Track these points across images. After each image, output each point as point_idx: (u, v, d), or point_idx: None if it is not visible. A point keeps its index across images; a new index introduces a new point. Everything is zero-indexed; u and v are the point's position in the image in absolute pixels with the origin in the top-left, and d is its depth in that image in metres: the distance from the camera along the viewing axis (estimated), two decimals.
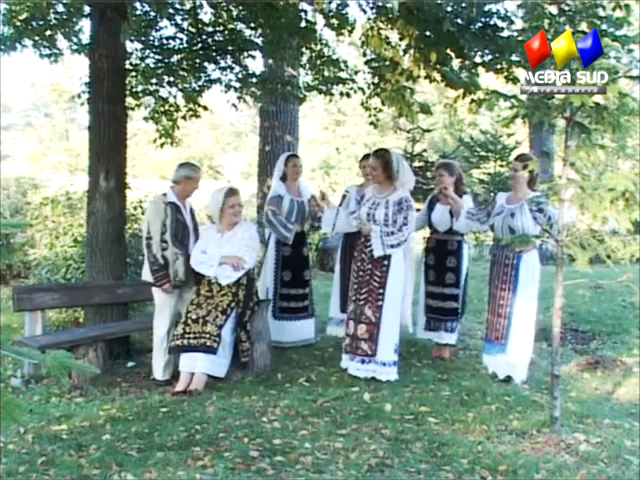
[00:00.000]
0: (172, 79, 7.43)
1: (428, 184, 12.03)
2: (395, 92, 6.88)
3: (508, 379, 4.75)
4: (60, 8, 6.69)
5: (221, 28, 7.35)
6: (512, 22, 6.22)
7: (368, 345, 4.80)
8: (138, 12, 6.92)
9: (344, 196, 6.21)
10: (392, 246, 4.80)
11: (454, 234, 5.38)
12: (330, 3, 6.87)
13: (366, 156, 5.96)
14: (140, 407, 4.19)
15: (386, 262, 4.83)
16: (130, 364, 5.42)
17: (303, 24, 6.98)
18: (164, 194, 5.04)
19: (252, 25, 7.16)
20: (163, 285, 4.90)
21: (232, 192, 5.05)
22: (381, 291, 4.81)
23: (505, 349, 4.74)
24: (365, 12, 6.79)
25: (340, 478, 3.16)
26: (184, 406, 4.21)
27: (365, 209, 4.98)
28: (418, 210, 5.58)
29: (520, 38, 5.85)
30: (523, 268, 4.70)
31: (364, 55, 7.27)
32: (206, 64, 7.42)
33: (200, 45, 7.24)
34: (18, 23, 6.58)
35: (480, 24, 6.05)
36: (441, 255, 5.44)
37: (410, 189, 5.00)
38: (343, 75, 7.65)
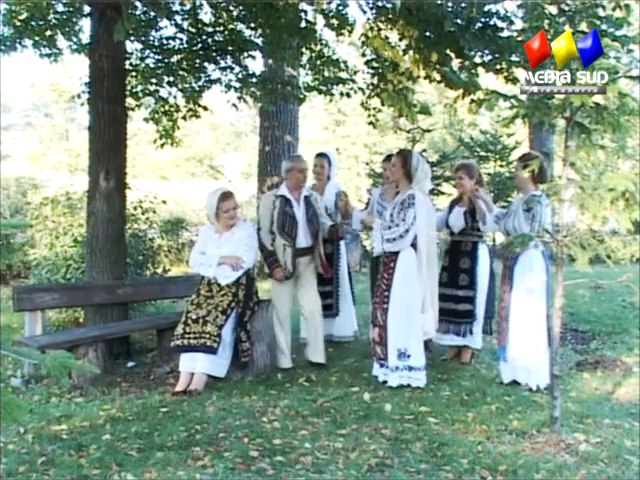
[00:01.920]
0: (172, 79, 7.44)
1: None
2: (396, 92, 6.88)
3: (511, 383, 4.68)
4: (60, 8, 6.70)
5: (221, 28, 7.36)
6: (512, 22, 6.23)
7: (380, 349, 4.73)
8: (138, 12, 6.93)
9: (369, 199, 6.27)
10: (388, 240, 4.71)
11: (469, 235, 5.33)
12: (330, 3, 6.87)
13: (388, 157, 5.85)
14: (140, 407, 4.19)
15: (392, 264, 4.72)
16: (130, 364, 5.43)
17: (303, 24, 6.98)
18: (277, 186, 5.19)
19: (252, 25, 7.17)
20: (274, 269, 5.12)
21: (225, 196, 5.01)
22: (387, 294, 4.71)
23: (505, 353, 4.67)
24: (365, 12, 6.79)
25: (340, 478, 3.16)
26: (184, 406, 4.21)
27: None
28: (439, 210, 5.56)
29: (520, 38, 5.87)
30: (518, 269, 4.64)
31: (364, 55, 7.27)
32: (206, 64, 7.42)
33: (200, 45, 7.24)
34: (18, 23, 6.59)
35: (480, 24, 6.05)
36: (455, 256, 5.39)
37: (424, 191, 4.84)
38: (343, 75, 7.65)
